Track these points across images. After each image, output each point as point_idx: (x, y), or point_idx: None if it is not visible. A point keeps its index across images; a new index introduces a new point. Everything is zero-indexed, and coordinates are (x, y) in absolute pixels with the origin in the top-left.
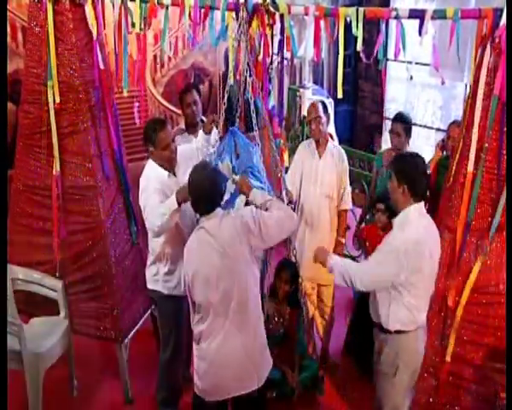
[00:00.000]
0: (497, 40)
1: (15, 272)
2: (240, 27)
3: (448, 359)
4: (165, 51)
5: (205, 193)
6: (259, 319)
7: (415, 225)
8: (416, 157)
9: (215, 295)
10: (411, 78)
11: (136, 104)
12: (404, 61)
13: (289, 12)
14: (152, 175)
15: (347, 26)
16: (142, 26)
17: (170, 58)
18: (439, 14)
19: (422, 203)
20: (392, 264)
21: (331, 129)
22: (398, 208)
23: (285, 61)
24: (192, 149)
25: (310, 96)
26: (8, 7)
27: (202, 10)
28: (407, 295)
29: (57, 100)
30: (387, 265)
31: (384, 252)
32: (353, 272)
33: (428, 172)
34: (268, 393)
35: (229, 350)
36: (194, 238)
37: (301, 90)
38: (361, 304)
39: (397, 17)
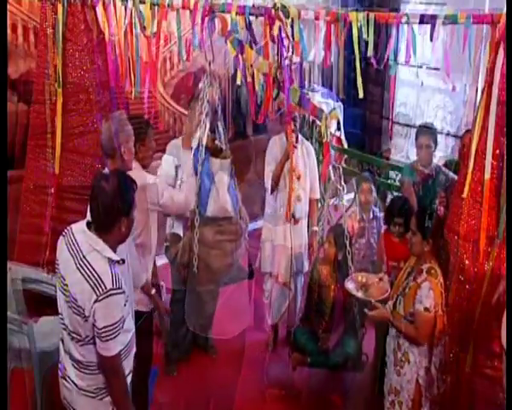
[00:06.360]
0: None
1: (25, 271)
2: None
3: (468, 369)
4: (183, 60)
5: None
6: None
7: None
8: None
9: None
10: (422, 83)
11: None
12: (413, 66)
13: (299, 17)
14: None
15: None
16: (153, 29)
17: (179, 60)
18: (451, 19)
19: None
20: None
21: (340, 133)
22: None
23: (295, 65)
24: None
25: (319, 99)
26: (20, 8)
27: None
28: None
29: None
30: None
31: None
32: None
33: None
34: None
35: None
36: None
37: (310, 93)
38: None
39: (407, 22)
